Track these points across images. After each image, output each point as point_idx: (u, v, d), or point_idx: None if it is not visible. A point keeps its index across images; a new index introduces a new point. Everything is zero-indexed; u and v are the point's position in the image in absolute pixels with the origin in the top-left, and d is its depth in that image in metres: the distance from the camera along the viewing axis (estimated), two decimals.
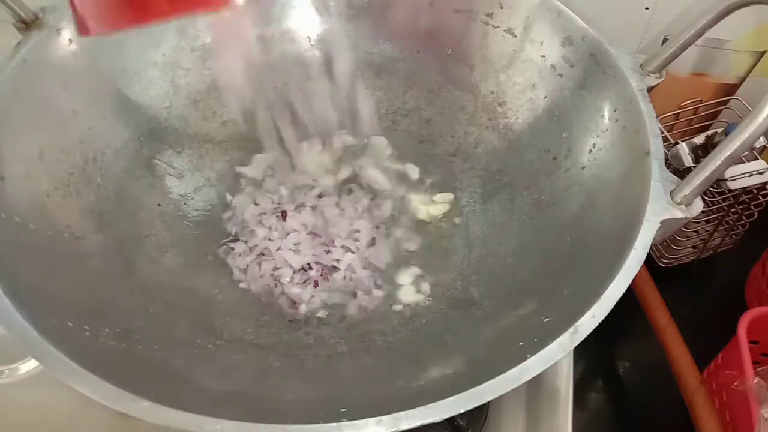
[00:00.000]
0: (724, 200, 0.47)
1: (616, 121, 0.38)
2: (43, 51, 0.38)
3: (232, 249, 0.43)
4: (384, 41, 0.50)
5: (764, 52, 0.50)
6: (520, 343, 0.30)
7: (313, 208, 0.45)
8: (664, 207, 0.31)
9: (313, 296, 0.41)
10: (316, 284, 0.41)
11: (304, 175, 0.47)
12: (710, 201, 0.47)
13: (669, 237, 0.51)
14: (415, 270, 0.43)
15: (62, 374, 0.26)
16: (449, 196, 0.47)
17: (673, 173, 0.33)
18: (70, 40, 0.39)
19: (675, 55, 0.39)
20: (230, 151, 0.48)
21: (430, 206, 0.46)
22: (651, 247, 0.35)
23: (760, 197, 0.48)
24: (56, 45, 0.39)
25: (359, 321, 0.40)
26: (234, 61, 0.35)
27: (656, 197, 0.32)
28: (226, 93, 0.43)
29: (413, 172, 0.48)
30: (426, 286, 0.42)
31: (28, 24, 0.38)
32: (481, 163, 0.47)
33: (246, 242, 0.43)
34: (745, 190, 0.46)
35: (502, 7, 0.45)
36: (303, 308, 0.40)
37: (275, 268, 0.42)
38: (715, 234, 0.52)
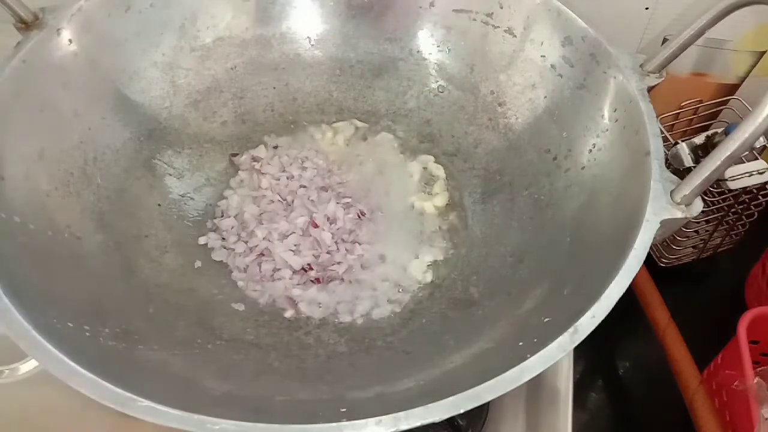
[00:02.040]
0: (724, 200, 0.47)
1: (616, 121, 0.38)
2: (43, 51, 0.38)
3: (233, 249, 0.43)
4: (384, 41, 0.50)
5: (764, 52, 0.50)
6: (520, 343, 0.30)
7: (314, 205, 0.45)
8: (664, 207, 0.31)
9: (312, 296, 0.41)
10: (318, 281, 0.41)
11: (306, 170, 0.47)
12: (710, 201, 0.47)
13: (669, 237, 0.51)
14: (419, 264, 0.43)
15: (62, 374, 0.26)
16: (441, 174, 0.47)
17: (673, 173, 0.33)
18: (70, 41, 0.39)
19: (675, 55, 0.39)
20: (230, 151, 0.48)
21: (427, 201, 0.46)
22: (651, 247, 0.35)
23: (760, 197, 0.48)
24: (56, 45, 0.39)
25: (359, 321, 0.40)
26: None
27: (656, 197, 0.32)
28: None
29: (439, 170, 0.48)
30: (429, 276, 0.42)
31: (28, 24, 0.38)
32: (481, 163, 0.47)
33: (246, 242, 0.43)
34: (745, 190, 0.46)
35: (502, 7, 0.45)
36: (303, 308, 0.40)
37: (275, 269, 0.42)
38: (715, 234, 0.52)
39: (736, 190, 0.45)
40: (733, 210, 0.49)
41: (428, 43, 0.49)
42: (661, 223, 0.31)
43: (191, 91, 0.47)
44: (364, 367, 0.37)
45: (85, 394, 0.25)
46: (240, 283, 0.42)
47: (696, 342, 0.46)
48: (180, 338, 0.36)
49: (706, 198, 0.46)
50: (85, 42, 0.40)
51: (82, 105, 0.40)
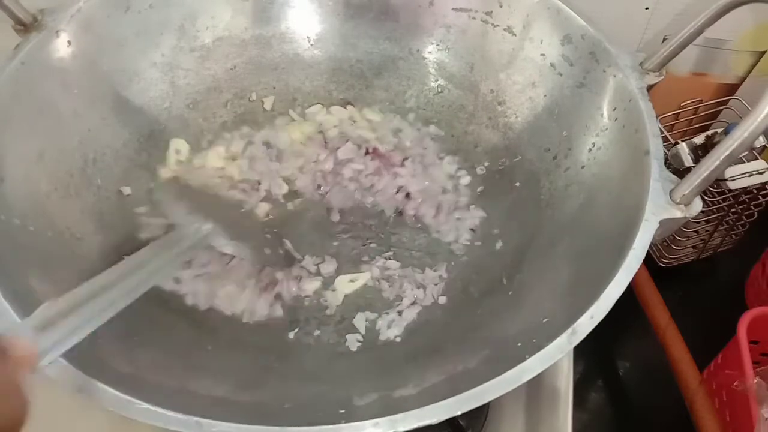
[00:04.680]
0: (724, 200, 0.47)
1: (616, 119, 0.38)
2: (42, 53, 0.38)
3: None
4: (383, 40, 0.50)
5: (764, 52, 0.50)
6: (520, 344, 0.30)
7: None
8: (663, 207, 0.31)
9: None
10: None
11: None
12: (710, 201, 0.47)
13: (669, 237, 0.51)
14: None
15: (62, 374, 0.26)
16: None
17: (673, 173, 0.33)
18: (69, 42, 0.39)
19: (674, 54, 0.39)
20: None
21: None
22: (651, 247, 0.35)
23: (760, 197, 0.48)
24: (55, 47, 0.39)
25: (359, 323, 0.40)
26: None
27: (656, 197, 0.32)
28: None
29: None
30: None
31: (26, 26, 0.38)
32: (481, 162, 0.47)
33: None
34: (745, 190, 0.46)
35: (501, 6, 0.45)
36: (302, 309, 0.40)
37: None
38: (715, 234, 0.51)
39: (736, 190, 0.45)
40: (733, 210, 0.49)
41: (428, 42, 0.49)
42: (660, 222, 0.31)
43: (191, 91, 0.47)
44: (363, 367, 0.37)
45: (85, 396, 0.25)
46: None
47: (696, 342, 0.46)
48: (180, 339, 0.36)
49: (706, 198, 0.45)
50: (85, 43, 0.40)
51: (82, 106, 0.40)
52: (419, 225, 0.44)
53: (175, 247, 0.35)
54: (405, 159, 0.47)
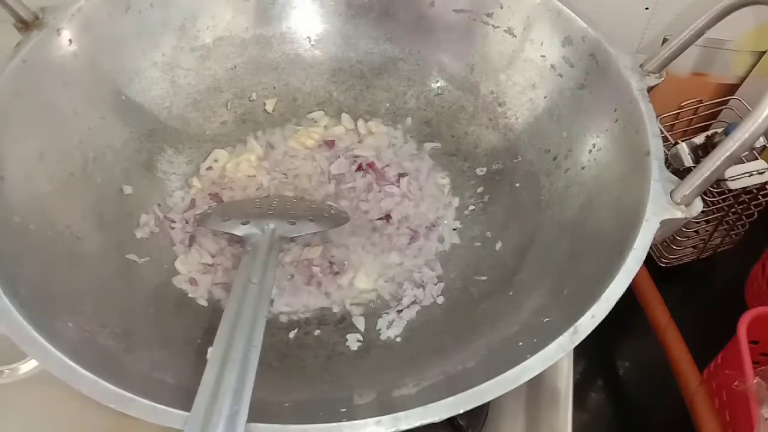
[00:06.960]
0: (724, 200, 0.47)
1: (616, 121, 0.38)
2: (43, 51, 0.38)
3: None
4: (384, 41, 0.50)
5: (764, 52, 0.50)
6: (520, 343, 0.30)
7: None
8: (663, 207, 0.31)
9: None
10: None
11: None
12: (710, 201, 0.47)
13: (669, 237, 0.51)
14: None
15: (62, 374, 0.26)
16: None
17: (673, 173, 0.33)
18: (70, 41, 0.39)
19: (675, 55, 0.39)
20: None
21: None
22: (651, 247, 0.35)
23: (760, 197, 0.48)
24: (56, 45, 0.39)
25: (359, 322, 0.40)
26: None
27: (656, 197, 0.32)
28: None
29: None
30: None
31: (28, 24, 0.38)
32: (481, 163, 0.47)
33: None
34: (745, 190, 0.46)
35: (502, 7, 0.45)
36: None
37: None
38: (715, 234, 0.52)
39: (736, 190, 0.45)
40: (733, 210, 0.49)
41: (428, 43, 0.49)
42: (660, 223, 0.31)
43: (191, 91, 0.47)
44: (363, 367, 0.37)
45: (85, 394, 0.25)
46: None
47: (696, 342, 0.46)
48: (180, 338, 0.36)
49: (706, 198, 0.46)
50: (85, 42, 0.40)
51: (82, 105, 0.40)
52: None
53: (257, 258, 0.34)
54: (402, 176, 0.46)
